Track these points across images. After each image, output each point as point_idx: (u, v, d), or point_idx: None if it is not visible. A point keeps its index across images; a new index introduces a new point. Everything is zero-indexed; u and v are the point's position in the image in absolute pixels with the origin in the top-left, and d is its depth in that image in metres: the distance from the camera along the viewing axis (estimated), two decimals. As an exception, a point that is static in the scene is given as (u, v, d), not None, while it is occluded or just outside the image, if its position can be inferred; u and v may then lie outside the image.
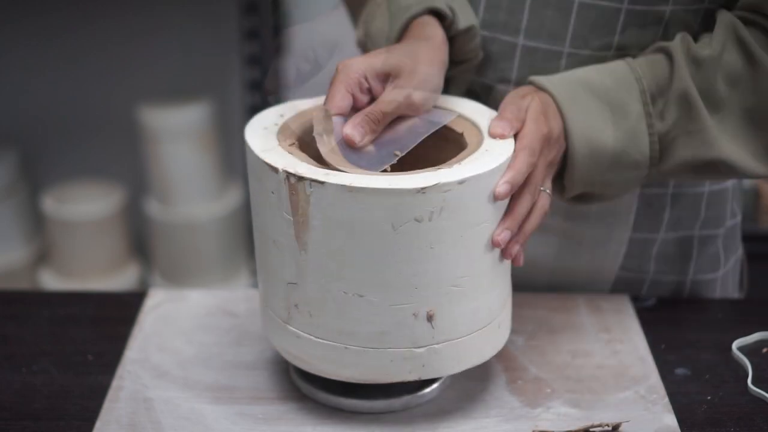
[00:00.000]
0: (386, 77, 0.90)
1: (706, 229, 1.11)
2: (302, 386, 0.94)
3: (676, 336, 1.05)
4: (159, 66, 2.35)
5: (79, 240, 2.26)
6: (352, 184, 0.80)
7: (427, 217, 0.81)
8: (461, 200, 0.82)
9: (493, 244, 0.86)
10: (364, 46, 1.06)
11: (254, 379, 0.97)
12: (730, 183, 1.11)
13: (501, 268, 0.89)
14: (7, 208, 2.29)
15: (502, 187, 0.85)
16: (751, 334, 1.03)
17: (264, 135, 0.89)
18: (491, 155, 0.86)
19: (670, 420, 0.91)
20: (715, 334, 1.05)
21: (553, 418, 0.91)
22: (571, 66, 1.00)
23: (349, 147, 0.87)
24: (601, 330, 1.05)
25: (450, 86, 1.02)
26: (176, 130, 2.21)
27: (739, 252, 1.18)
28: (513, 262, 0.90)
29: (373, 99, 0.90)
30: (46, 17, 2.31)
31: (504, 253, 0.88)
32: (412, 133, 0.90)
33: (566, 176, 0.94)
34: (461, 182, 0.82)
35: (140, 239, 2.42)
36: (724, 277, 1.15)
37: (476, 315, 0.88)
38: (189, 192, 2.27)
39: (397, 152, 0.88)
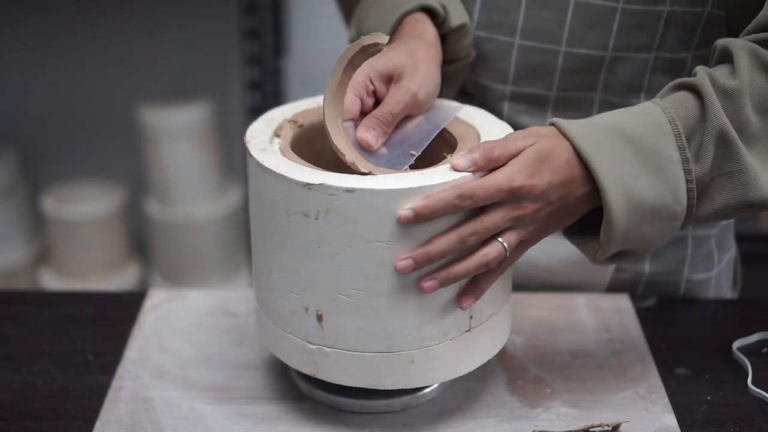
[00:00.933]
0: (389, 78, 0.91)
1: (700, 229, 1.11)
2: (302, 386, 0.94)
3: (676, 336, 1.05)
4: (159, 66, 2.35)
5: (79, 240, 2.26)
6: (262, 162, 0.84)
7: (313, 215, 0.82)
8: (348, 209, 0.81)
9: (395, 268, 0.81)
10: None
11: (254, 379, 0.97)
12: None
13: (423, 300, 0.83)
14: (7, 208, 2.29)
15: (404, 212, 0.79)
16: (751, 334, 1.03)
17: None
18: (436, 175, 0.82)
19: (670, 420, 0.91)
20: (715, 334, 1.05)
21: (553, 418, 0.91)
22: (567, 65, 1.00)
23: (363, 151, 0.87)
24: (601, 330, 1.05)
25: (443, 86, 1.02)
26: (176, 130, 2.21)
27: (732, 251, 1.18)
28: (458, 304, 0.84)
29: (377, 100, 0.91)
30: (46, 17, 2.31)
31: (419, 285, 0.82)
32: (420, 131, 0.90)
33: (604, 233, 0.84)
34: (349, 191, 0.80)
35: (140, 239, 2.43)
36: (718, 276, 1.15)
37: (372, 335, 0.84)
38: (189, 192, 2.27)
39: (413, 152, 0.88)
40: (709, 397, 0.95)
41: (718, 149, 0.85)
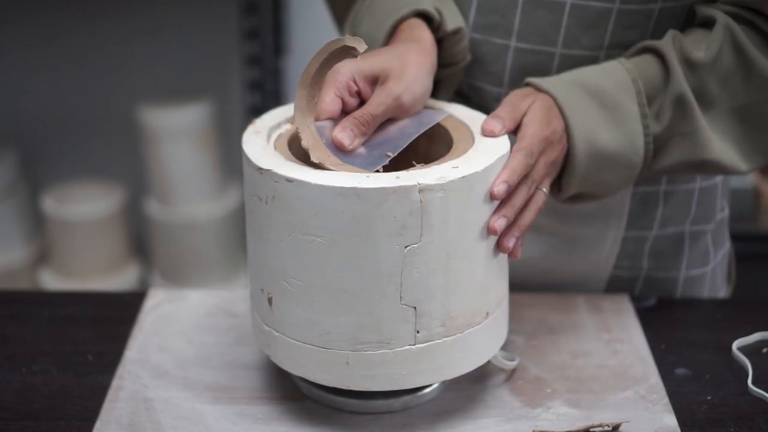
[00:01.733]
0: (375, 80, 0.91)
1: (697, 224, 1.11)
2: (302, 386, 0.94)
3: (676, 336, 1.05)
4: (159, 66, 2.35)
5: (79, 240, 2.26)
6: (243, 145, 0.88)
7: (264, 200, 0.84)
8: (289, 199, 0.82)
9: (489, 230, 0.86)
10: None
11: (254, 379, 0.97)
12: (719, 178, 1.12)
13: (362, 303, 0.83)
14: (7, 208, 2.29)
15: (498, 187, 0.85)
16: (751, 334, 1.03)
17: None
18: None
19: (670, 420, 0.91)
20: (715, 334, 1.05)
21: (553, 418, 0.91)
22: (563, 67, 1.00)
23: (339, 150, 0.87)
24: (601, 330, 1.05)
25: (439, 89, 1.02)
26: (176, 130, 2.21)
27: (726, 246, 1.18)
28: (510, 255, 0.90)
29: (362, 102, 0.91)
30: (46, 17, 2.31)
31: (500, 246, 0.88)
32: (402, 134, 0.90)
33: (564, 176, 0.94)
34: (289, 180, 0.82)
35: (140, 239, 2.42)
36: (713, 271, 1.16)
37: (310, 327, 0.85)
38: (189, 192, 2.27)
39: (389, 153, 0.88)
40: (709, 397, 0.95)
41: (676, 111, 0.94)
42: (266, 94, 2.20)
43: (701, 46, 0.94)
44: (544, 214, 1.05)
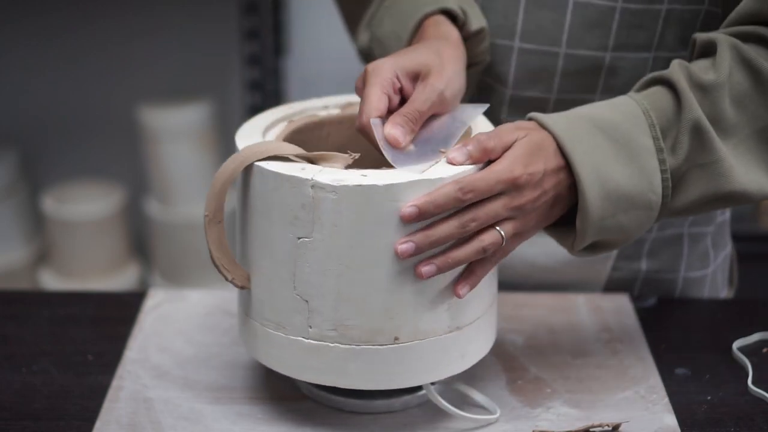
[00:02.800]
0: (416, 76, 0.90)
1: (696, 226, 1.11)
2: (302, 386, 0.94)
3: (676, 336, 1.05)
4: (159, 66, 2.35)
5: (79, 240, 2.26)
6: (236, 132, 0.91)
7: (241, 179, 0.87)
8: (252, 182, 0.85)
9: (396, 251, 0.81)
10: (370, 51, 1.05)
11: (254, 379, 0.97)
12: None
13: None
14: (7, 208, 2.29)
15: (407, 210, 0.80)
16: (751, 334, 1.03)
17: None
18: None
19: (670, 420, 0.91)
20: (715, 334, 1.05)
21: (553, 418, 0.91)
22: (568, 67, 1.00)
23: (392, 148, 0.86)
24: (601, 330, 1.05)
25: None
26: (176, 130, 2.21)
27: (728, 248, 1.18)
28: (455, 292, 0.84)
29: (403, 98, 0.91)
30: (46, 17, 2.31)
31: (416, 271, 0.82)
32: (447, 128, 0.90)
33: (579, 220, 0.86)
34: (247, 166, 0.85)
35: (140, 239, 2.43)
36: (714, 273, 1.15)
37: (244, 303, 0.90)
38: (189, 192, 2.27)
39: (442, 149, 0.87)
40: (709, 397, 0.95)
41: (693, 141, 0.87)
42: (266, 94, 2.20)
43: (709, 69, 0.89)
44: None
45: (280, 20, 2.26)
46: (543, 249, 1.09)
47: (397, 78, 0.89)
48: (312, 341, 0.85)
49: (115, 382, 0.96)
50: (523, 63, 1.01)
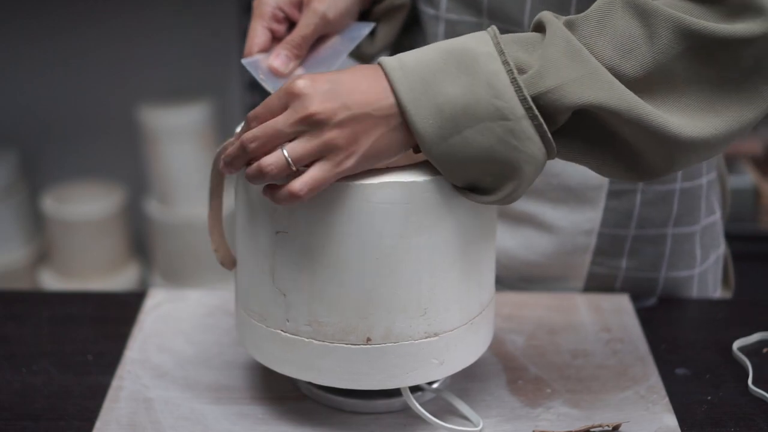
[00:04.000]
0: (299, 3, 0.93)
1: (680, 226, 1.10)
2: (302, 386, 0.94)
3: (676, 336, 1.05)
4: (159, 66, 2.35)
5: (79, 240, 2.26)
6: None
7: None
8: (241, 175, 0.85)
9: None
10: None
11: (254, 379, 0.97)
12: (704, 179, 1.10)
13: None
14: (7, 208, 2.29)
15: (223, 160, 0.81)
16: (751, 334, 1.03)
17: None
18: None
19: (670, 420, 0.91)
20: (715, 334, 1.05)
21: (553, 418, 0.91)
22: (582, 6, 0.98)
23: (277, 77, 0.89)
24: (601, 330, 1.05)
25: (379, 27, 1.03)
26: (176, 130, 2.21)
27: (720, 249, 1.17)
28: (290, 197, 0.78)
29: (292, 26, 0.93)
30: (46, 17, 2.31)
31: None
32: (334, 49, 0.93)
33: (421, 150, 0.79)
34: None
35: (140, 239, 2.43)
36: (703, 274, 1.14)
37: (238, 293, 0.90)
38: (189, 192, 2.27)
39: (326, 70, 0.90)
40: (709, 397, 0.95)
41: (564, 53, 0.76)
42: (266, 94, 2.20)
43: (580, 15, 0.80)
44: (521, 201, 1.06)
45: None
46: (522, 242, 1.09)
47: (280, 9, 0.92)
48: (289, 335, 0.85)
49: (115, 382, 0.96)
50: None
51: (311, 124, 0.77)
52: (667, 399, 0.94)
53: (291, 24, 0.94)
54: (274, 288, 0.85)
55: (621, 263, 1.10)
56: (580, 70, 0.76)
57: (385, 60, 0.79)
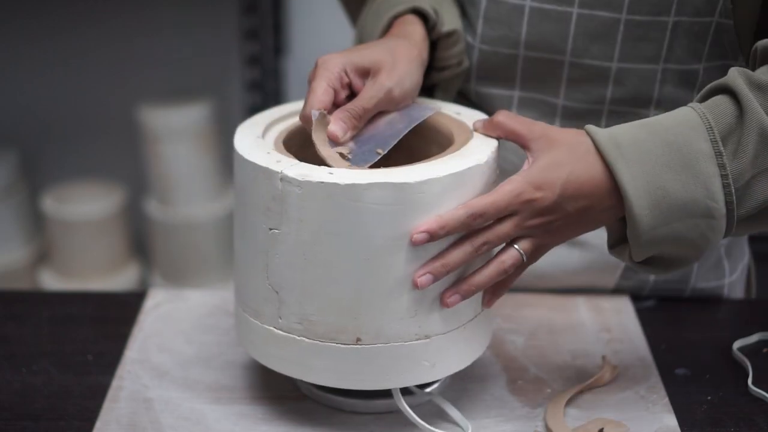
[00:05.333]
0: (366, 72, 0.91)
1: None
2: (302, 386, 0.94)
3: (676, 336, 1.05)
4: (159, 66, 2.35)
5: (79, 240, 2.26)
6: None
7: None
8: (237, 172, 0.87)
9: (415, 284, 0.82)
10: None
11: (254, 379, 0.97)
12: None
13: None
14: (7, 208, 2.29)
15: (419, 236, 0.80)
16: (751, 335, 1.03)
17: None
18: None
19: (670, 420, 0.91)
20: (715, 334, 1.05)
21: (553, 418, 0.91)
22: (573, 74, 0.99)
23: (330, 142, 0.87)
24: (601, 330, 1.05)
25: (435, 93, 1.02)
26: (176, 130, 2.21)
27: (746, 258, 1.17)
28: (485, 305, 0.86)
29: (352, 94, 0.91)
30: (45, 17, 2.31)
31: (441, 300, 0.83)
32: (392, 129, 0.91)
33: (629, 230, 0.82)
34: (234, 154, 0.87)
35: (140, 239, 2.42)
36: (732, 285, 1.14)
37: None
38: (189, 192, 2.27)
39: (379, 150, 0.89)
40: (709, 397, 0.94)
41: (758, 145, 0.81)
42: (266, 94, 2.20)
43: (764, 71, 0.84)
44: None
45: (280, 20, 2.26)
46: (552, 260, 1.08)
47: (346, 73, 0.90)
48: (281, 332, 0.86)
49: (115, 382, 0.96)
50: (529, 66, 1.01)
51: (532, 228, 0.82)
52: (667, 399, 0.94)
53: (351, 92, 0.92)
54: (268, 285, 0.85)
55: (649, 276, 1.10)
56: None
57: (604, 144, 0.81)
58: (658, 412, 0.92)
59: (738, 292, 1.16)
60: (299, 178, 0.81)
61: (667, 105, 1.00)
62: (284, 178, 0.82)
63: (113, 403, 0.93)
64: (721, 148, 0.81)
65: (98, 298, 1.16)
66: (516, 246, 0.83)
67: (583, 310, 1.08)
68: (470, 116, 0.93)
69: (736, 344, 1.02)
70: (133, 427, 0.90)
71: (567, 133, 0.84)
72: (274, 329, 0.86)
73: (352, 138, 0.89)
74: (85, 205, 2.27)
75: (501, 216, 0.81)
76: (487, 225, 0.82)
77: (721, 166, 0.81)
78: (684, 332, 1.06)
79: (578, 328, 1.05)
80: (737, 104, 0.83)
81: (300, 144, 0.90)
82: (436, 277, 0.82)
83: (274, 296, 0.85)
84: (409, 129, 0.91)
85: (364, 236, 0.81)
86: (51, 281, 2.30)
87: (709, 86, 0.86)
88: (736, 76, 0.83)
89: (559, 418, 0.89)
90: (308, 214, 0.81)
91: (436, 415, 0.92)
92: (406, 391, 0.91)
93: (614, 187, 0.81)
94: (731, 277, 1.13)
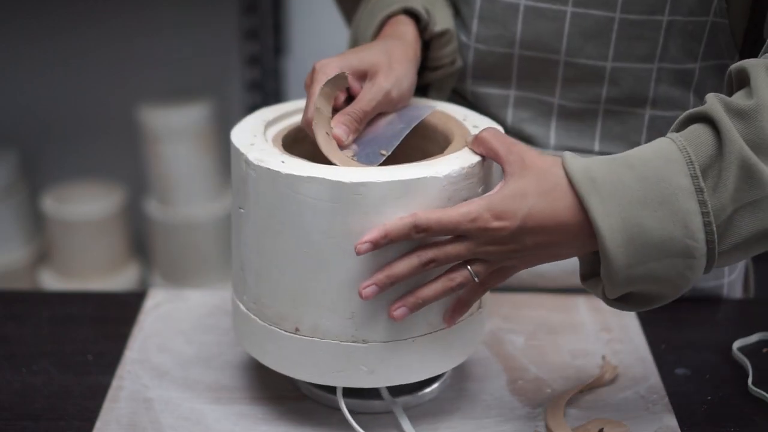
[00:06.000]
0: (363, 75, 0.91)
1: None
2: (302, 386, 0.94)
3: (676, 336, 1.05)
4: (159, 66, 2.35)
5: (79, 240, 2.26)
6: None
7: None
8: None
9: (360, 296, 0.80)
10: None
11: (254, 379, 0.97)
12: None
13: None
14: (7, 208, 2.29)
15: (362, 246, 0.78)
16: (751, 335, 1.03)
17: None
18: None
19: (670, 420, 0.91)
20: (715, 334, 1.05)
21: (553, 418, 0.91)
22: (568, 74, 1.00)
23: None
24: (601, 330, 1.05)
25: (429, 92, 1.03)
26: (176, 130, 2.21)
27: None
28: (445, 321, 0.84)
29: (350, 97, 0.92)
30: (45, 17, 2.31)
31: (389, 314, 0.81)
32: (393, 130, 0.91)
33: (602, 268, 0.78)
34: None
35: (140, 239, 2.43)
36: (731, 284, 1.14)
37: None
38: (189, 192, 2.27)
39: (383, 152, 0.89)
40: (709, 397, 0.95)
41: (739, 177, 0.77)
42: (266, 94, 2.20)
43: (746, 95, 0.80)
44: None
45: (280, 20, 2.26)
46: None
47: None
48: (243, 309, 0.89)
49: (115, 382, 0.96)
50: (525, 66, 1.01)
51: (486, 254, 0.79)
52: (667, 399, 0.94)
53: (349, 93, 0.92)
54: (238, 261, 0.88)
55: None
56: (756, 193, 0.77)
57: (578, 177, 0.77)
58: (658, 412, 0.92)
59: (737, 292, 1.16)
60: (255, 162, 0.83)
61: (662, 104, 1.00)
62: (246, 161, 0.84)
63: (113, 403, 0.93)
64: (702, 184, 0.77)
65: (98, 298, 1.16)
66: (469, 267, 0.80)
67: (583, 310, 1.08)
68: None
69: (736, 344, 1.02)
70: (133, 427, 0.90)
71: (542, 161, 0.79)
72: (241, 306, 0.89)
73: (354, 141, 0.89)
74: (85, 205, 2.27)
75: (449, 235, 0.79)
76: (439, 242, 0.79)
77: (702, 203, 0.77)
78: (684, 332, 1.06)
79: (578, 327, 1.05)
80: (716, 134, 0.78)
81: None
82: (381, 289, 0.80)
83: (240, 273, 0.88)
84: (409, 129, 0.91)
85: (303, 229, 0.82)
86: (51, 281, 2.30)
87: (686, 113, 0.81)
88: (714, 102, 0.79)
89: (559, 418, 0.89)
90: (261, 198, 0.83)
91: (439, 416, 0.92)
92: (409, 390, 0.92)
93: (586, 222, 0.77)
94: (730, 276, 1.13)
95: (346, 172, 0.81)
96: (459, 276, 0.80)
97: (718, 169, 0.77)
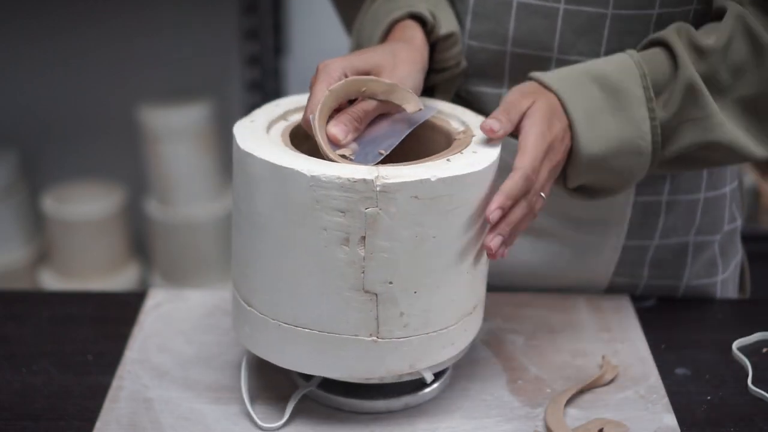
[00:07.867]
0: (366, 73, 0.91)
1: (702, 235, 1.10)
2: (302, 386, 0.94)
3: (676, 336, 1.05)
4: (159, 66, 2.35)
5: (79, 240, 2.26)
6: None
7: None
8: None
9: (485, 249, 0.85)
10: None
11: (254, 379, 0.97)
12: (727, 188, 1.10)
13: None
14: (7, 208, 2.29)
15: (493, 215, 0.84)
16: (751, 334, 1.03)
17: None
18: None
19: (670, 420, 0.91)
20: (715, 334, 1.05)
21: (553, 418, 0.91)
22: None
23: (332, 145, 0.88)
24: (601, 330, 1.05)
25: (435, 94, 1.03)
26: (176, 130, 2.21)
27: (739, 256, 1.17)
28: (492, 256, 0.87)
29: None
30: (45, 17, 2.31)
31: (483, 243, 0.86)
32: (393, 130, 0.91)
33: (570, 166, 0.92)
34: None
35: (140, 239, 2.43)
36: (724, 282, 1.14)
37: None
38: (189, 192, 2.27)
39: (382, 151, 0.89)
40: (709, 397, 0.95)
41: (685, 99, 0.92)
42: (266, 94, 2.20)
43: (711, 35, 0.93)
44: (545, 219, 1.05)
45: (280, 20, 2.26)
46: (543, 254, 1.08)
47: (346, 76, 0.90)
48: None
49: (115, 382, 0.96)
50: (517, 65, 1.01)
51: (556, 168, 0.91)
52: (667, 399, 0.94)
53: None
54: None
55: (643, 272, 1.10)
56: (699, 113, 0.92)
57: (549, 81, 0.91)
58: (658, 412, 0.92)
59: (730, 290, 1.16)
60: (247, 150, 0.85)
61: None
62: (240, 149, 0.86)
63: (113, 403, 0.93)
64: (651, 95, 0.92)
65: (98, 298, 1.16)
66: (541, 193, 0.89)
67: (582, 310, 1.08)
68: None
69: (736, 344, 1.02)
70: (133, 427, 0.90)
71: (535, 89, 0.92)
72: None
73: (355, 140, 0.89)
74: (85, 205, 2.27)
75: (542, 160, 0.87)
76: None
77: (651, 110, 0.92)
78: (684, 332, 1.06)
79: (578, 327, 1.05)
80: (672, 59, 0.93)
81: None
82: (504, 237, 0.85)
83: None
84: (411, 130, 0.91)
85: (254, 206, 0.85)
86: (51, 281, 2.30)
87: (650, 37, 0.95)
88: (674, 33, 0.93)
89: (559, 418, 0.89)
90: (251, 186, 0.85)
91: (439, 416, 0.92)
92: (409, 390, 0.92)
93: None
94: (724, 274, 1.14)
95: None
96: (539, 203, 0.88)
97: (670, 91, 0.92)
